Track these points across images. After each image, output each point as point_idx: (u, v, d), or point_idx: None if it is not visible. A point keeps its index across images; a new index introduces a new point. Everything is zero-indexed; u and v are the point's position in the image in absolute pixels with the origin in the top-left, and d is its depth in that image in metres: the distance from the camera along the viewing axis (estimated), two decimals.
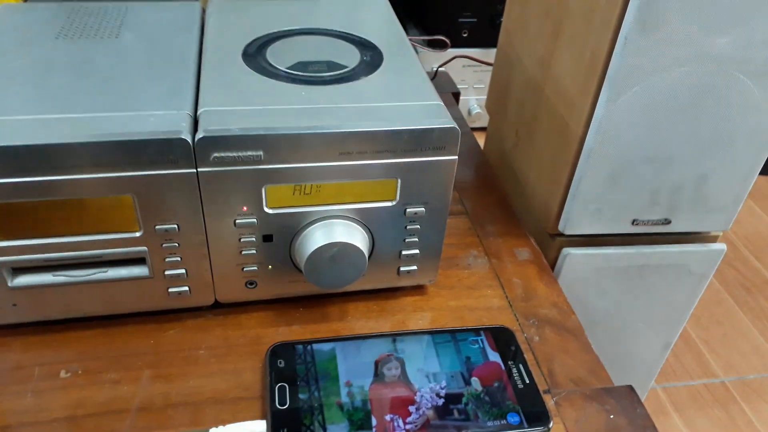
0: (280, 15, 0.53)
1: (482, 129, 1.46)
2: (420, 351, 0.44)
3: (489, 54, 1.36)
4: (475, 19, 1.24)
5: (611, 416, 0.41)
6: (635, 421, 0.41)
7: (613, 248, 0.57)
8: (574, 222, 0.54)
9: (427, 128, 0.40)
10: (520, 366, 0.43)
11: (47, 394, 0.40)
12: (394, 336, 0.45)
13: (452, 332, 0.45)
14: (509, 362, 0.43)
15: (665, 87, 0.47)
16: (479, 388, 0.41)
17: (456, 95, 0.79)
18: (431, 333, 0.45)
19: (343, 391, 0.41)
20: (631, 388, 0.43)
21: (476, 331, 0.45)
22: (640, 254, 0.58)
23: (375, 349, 0.44)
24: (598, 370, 0.45)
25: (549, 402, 0.42)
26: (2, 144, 0.35)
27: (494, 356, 0.44)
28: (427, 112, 0.41)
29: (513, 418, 0.40)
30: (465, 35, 1.26)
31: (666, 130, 0.49)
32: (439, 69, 0.81)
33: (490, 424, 0.39)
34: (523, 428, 0.39)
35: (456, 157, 0.41)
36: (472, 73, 1.32)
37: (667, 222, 0.56)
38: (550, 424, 0.40)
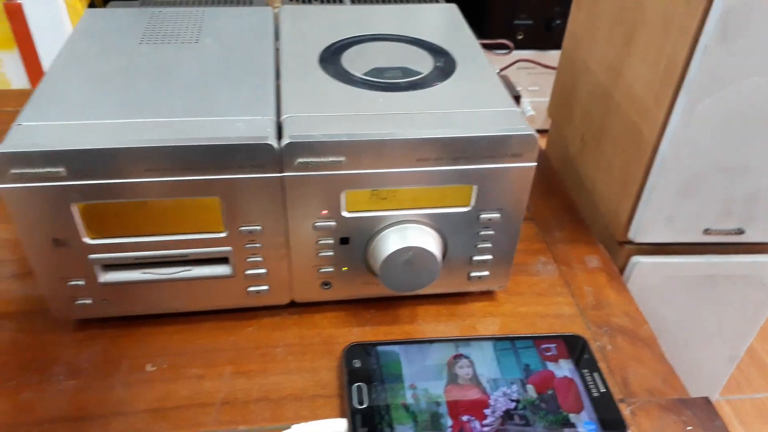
0: (351, 21, 0.54)
1: (538, 132, 1.44)
2: (487, 356, 0.44)
3: (544, 56, 1.35)
4: (530, 22, 1.24)
5: (688, 428, 0.41)
6: None
7: (683, 257, 0.56)
8: (644, 230, 0.54)
9: (506, 135, 0.40)
10: (595, 374, 0.43)
11: (135, 387, 0.42)
12: (468, 340, 0.45)
13: (526, 339, 0.45)
14: (583, 370, 0.43)
15: (743, 96, 0.46)
16: (547, 395, 0.41)
17: (517, 98, 0.79)
18: (501, 339, 0.45)
19: (409, 392, 0.41)
20: (707, 400, 0.43)
21: (549, 339, 0.45)
22: (711, 264, 0.57)
23: (447, 352, 0.44)
24: (672, 381, 0.44)
25: (624, 411, 0.42)
26: (97, 146, 0.37)
27: (567, 365, 0.44)
28: (503, 119, 0.42)
29: (589, 427, 0.40)
30: (520, 37, 1.25)
31: (742, 139, 0.49)
32: (501, 72, 0.81)
33: (566, 430, 0.39)
34: None
35: (534, 163, 0.42)
36: (526, 75, 1.31)
37: (741, 232, 0.55)
38: None
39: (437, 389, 0.42)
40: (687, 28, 0.45)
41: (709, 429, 0.41)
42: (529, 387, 0.42)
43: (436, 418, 0.40)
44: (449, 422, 0.40)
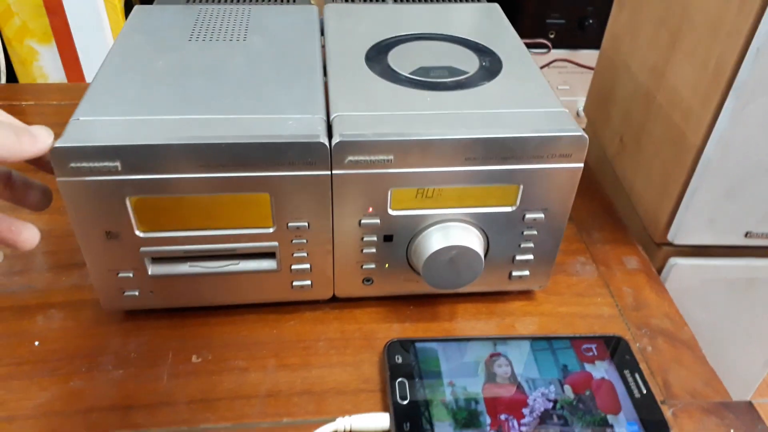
0: (395, 20, 0.54)
1: None
2: (525, 355, 0.44)
3: (576, 55, 1.34)
4: (563, 21, 1.23)
5: (731, 431, 0.41)
6: None
7: (723, 259, 0.56)
8: (684, 232, 0.54)
9: (556, 135, 0.40)
10: (636, 376, 0.43)
11: (181, 378, 0.43)
12: (506, 339, 0.45)
13: (563, 339, 0.45)
14: (624, 371, 0.43)
15: None
16: (584, 396, 0.41)
17: None
18: (539, 339, 0.46)
19: (448, 390, 0.42)
20: (750, 404, 0.43)
21: (590, 339, 0.46)
22: (751, 267, 0.56)
23: (485, 350, 0.44)
24: (714, 383, 0.44)
25: (666, 413, 0.42)
26: (151, 142, 0.38)
27: (605, 366, 0.44)
28: (552, 119, 0.42)
29: (632, 428, 0.40)
30: (552, 36, 1.25)
31: None
32: None
33: (616, 431, 0.39)
34: None
35: (581, 165, 0.42)
36: (557, 74, 1.30)
37: None
38: None
39: (475, 387, 0.42)
40: (739, 31, 0.45)
41: None
42: (567, 387, 0.42)
43: (474, 415, 0.40)
44: (488, 420, 0.40)
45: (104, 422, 0.40)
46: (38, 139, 0.36)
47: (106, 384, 0.42)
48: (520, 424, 0.40)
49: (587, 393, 0.42)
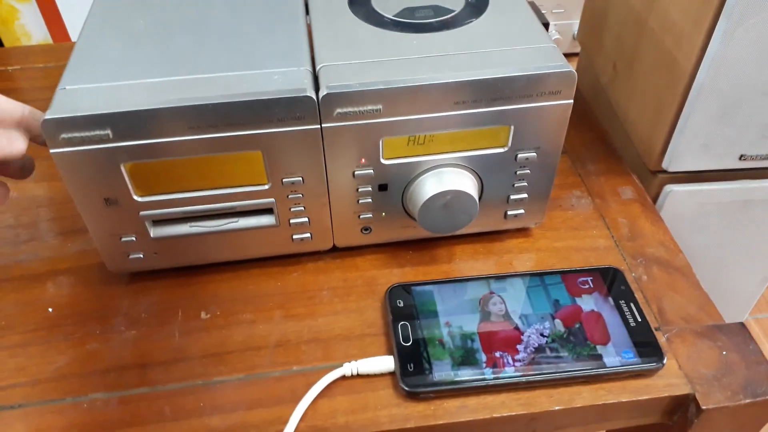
0: None
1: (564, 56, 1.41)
2: (519, 292, 0.45)
3: None
4: None
5: (724, 352, 0.42)
6: (748, 357, 0.42)
7: (717, 184, 0.56)
8: (679, 159, 0.54)
9: (544, 73, 0.40)
10: (631, 305, 0.44)
11: (193, 334, 0.45)
12: (499, 277, 0.46)
13: (554, 274, 0.47)
14: (620, 301, 0.45)
15: None
16: (574, 329, 0.43)
17: (545, 26, 0.77)
18: (531, 275, 0.47)
19: (445, 330, 0.43)
20: (742, 325, 0.44)
21: (585, 272, 0.47)
22: (746, 189, 0.57)
23: (480, 289, 0.46)
24: (707, 307, 0.46)
25: (660, 339, 0.43)
26: (139, 108, 0.38)
27: (596, 298, 0.45)
28: (540, 56, 0.41)
29: (627, 355, 0.41)
30: None
31: None
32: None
33: (606, 360, 0.41)
34: (638, 365, 0.41)
35: (571, 101, 0.42)
36: None
37: None
38: (664, 360, 0.41)
39: (471, 326, 0.43)
40: None
41: (744, 353, 0.42)
42: (557, 322, 0.43)
43: (470, 353, 0.42)
44: (483, 357, 0.41)
45: (122, 381, 0.42)
46: (14, 144, 0.36)
47: (121, 344, 0.44)
48: (514, 360, 0.41)
49: (577, 326, 0.43)
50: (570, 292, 0.45)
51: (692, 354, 0.42)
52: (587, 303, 0.44)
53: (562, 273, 0.47)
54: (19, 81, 0.71)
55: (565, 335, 0.42)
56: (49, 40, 1.18)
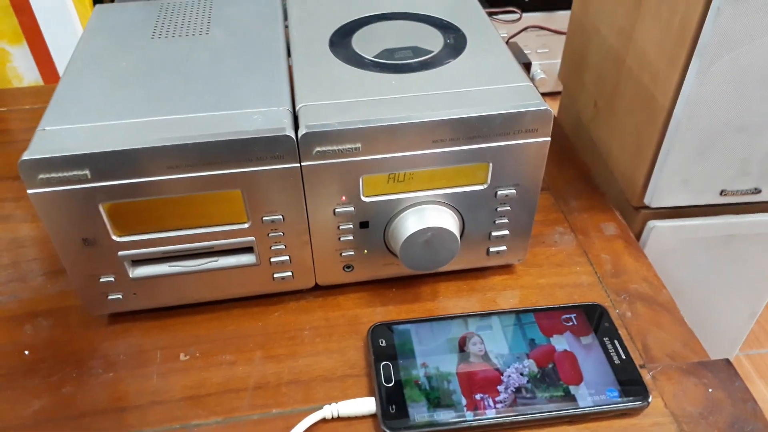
0: (358, 0, 0.54)
1: (548, 94, 1.44)
2: (497, 332, 0.45)
3: (552, 17, 1.33)
4: None
5: (710, 390, 0.42)
6: (734, 395, 0.41)
7: (700, 219, 0.56)
8: (660, 194, 0.54)
9: (520, 111, 0.40)
10: (615, 342, 0.44)
11: (170, 376, 0.44)
12: (477, 316, 0.46)
13: (545, 311, 0.46)
14: (604, 338, 0.44)
15: (758, 55, 0.46)
16: (548, 369, 0.42)
17: (527, 66, 0.78)
18: (516, 313, 0.46)
19: (422, 371, 0.42)
20: (728, 361, 0.44)
21: (569, 309, 0.46)
22: (728, 224, 0.57)
23: (458, 329, 0.45)
24: (692, 344, 0.45)
25: (646, 376, 0.43)
26: (118, 148, 0.38)
27: (566, 338, 0.45)
28: (517, 95, 0.42)
29: (612, 394, 0.41)
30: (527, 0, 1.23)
31: (758, 98, 0.48)
32: (510, 40, 0.80)
33: (589, 399, 0.40)
34: (623, 403, 0.40)
35: (548, 138, 0.42)
36: (535, 38, 1.29)
37: (758, 191, 0.55)
38: (649, 399, 0.40)
39: (449, 367, 0.43)
40: None
41: (731, 390, 0.42)
42: (530, 362, 0.43)
43: (447, 395, 0.41)
44: (463, 400, 0.41)
45: (97, 426, 0.41)
46: None
47: (98, 388, 0.43)
48: (495, 402, 0.40)
49: (550, 366, 0.42)
50: (543, 331, 0.45)
51: (678, 392, 0.42)
52: (560, 342, 0.44)
53: (545, 311, 0.46)
54: (8, 122, 0.71)
55: (538, 375, 0.42)
56: (41, 83, 1.19)
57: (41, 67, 1.15)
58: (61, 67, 1.15)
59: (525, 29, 0.82)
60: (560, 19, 1.25)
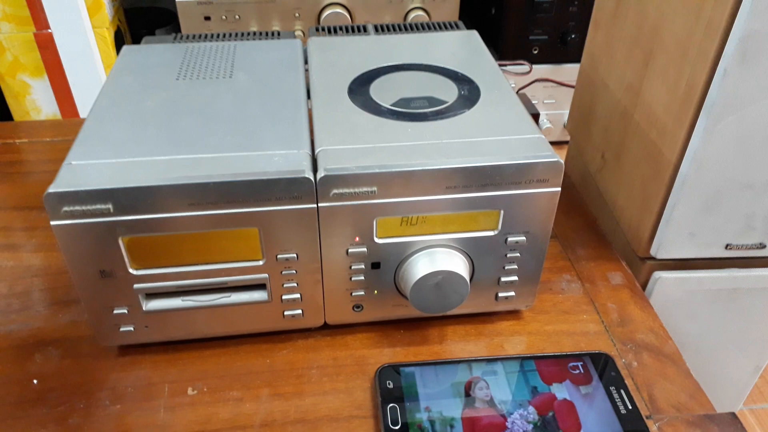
0: (376, 51, 0.56)
1: (554, 143, 1.47)
2: (501, 378, 0.45)
3: (560, 70, 1.37)
4: (545, 37, 1.25)
5: None
6: None
7: (705, 272, 0.57)
8: (666, 246, 0.55)
9: (532, 162, 0.42)
10: (622, 391, 0.44)
11: (178, 410, 0.44)
12: (483, 361, 0.46)
13: (551, 358, 0.47)
14: (610, 387, 0.44)
15: (762, 115, 0.47)
16: (548, 417, 0.42)
17: (536, 116, 0.80)
18: (522, 359, 0.47)
19: (425, 415, 0.43)
20: (734, 415, 0.44)
21: (575, 357, 0.47)
22: (733, 278, 0.58)
23: (464, 373, 0.45)
24: (698, 396, 0.45)
25: (652, 427, 0.43)
26: (141, 184, 0.39)
27: (597, 384, 0.45)
28: (529, 146, 0.43)
29: None
30: (536, 52, 1.27)
31: (763, 157, 0.50)
32: (519, 91, 0.83)
33: None
34: None
35: (559, 189, 0.43)
36: (542, 89, 1.33)
37: (762, 246, 0.55)
38: None
39: (452, 411, 0.43)
40: (706, 52, 0.46)
41: None
42: (531, 409, 0.43)
43: None
44: None
45: None
46: None
47: (104, 419, 0.43)
48: None
49: (550, 414, 0.43)
50: (544, 379, 0.45)
51: None
52: (560, 391, 0.44)
53: (551, 358, 0.47)
54: (26, 154, 0.73)
55: (539, 423, 0.42)
56: (59, 116, 1.22)
57: (60, 101, 1.18)
58: (80, 101, 1.18)
59: (534, 82, 0.85)
60: (567, 71, 1.28)
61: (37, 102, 1.20)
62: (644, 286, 0.58)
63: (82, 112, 1.20)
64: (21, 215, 0.63)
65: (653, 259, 0.57)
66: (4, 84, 1.18)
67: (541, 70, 1.24)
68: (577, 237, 0.60)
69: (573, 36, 1.23)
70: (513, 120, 0.46)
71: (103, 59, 1.15)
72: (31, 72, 1.17)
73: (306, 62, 0.55)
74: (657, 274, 0.57)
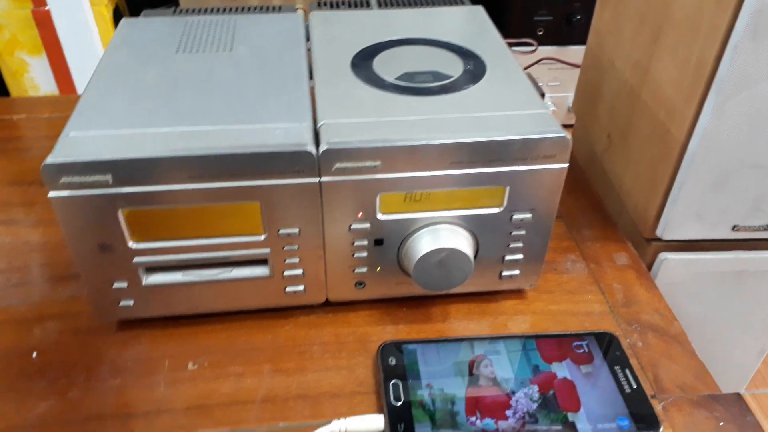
0: (379, 25, 0.55)
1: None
2: (504, 356, 0.45)
3: (565, 51, 1.35)
4: (551, 17, 1.24)
5: (720, 423, 0.42)
6: (745, 429, 0.41)
7: (711, 253, 0.57)
8: (672, 227, 0.54)
9: (539, 137, 0.41)
10: (626, 371, 0.44)
11: (178, 385, 0.44)
12: (487, 339, 0.46)
13: (555, 337, 0.46)
14: (615, 367, 0.44)
15: None
16: (549, 395, 0.42)
17: (541, 96, 0.79)
18: (527, 338, 0.46)
19: (426, 391, 0.42)
20: (739, 395, 0.43)
21: (580, 337, 0.46)
22: (740, 260, 0.57)
23: (467, 351, 0.45)
24: (704, 377, 0.45)
25: (656, 407, 0.42)
26: (141, 156, 0.38)
27: (601, 363, 0.44)
28: (535, 121, 0.42)
29: (623, 422, 0.40)
30: (540, 33, 1.25)
31: None
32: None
33: (600, 426, 0.40)
34: None
35: (566, 165, 0.42)
36: (547, 70, 1.31)
37: None
38: (660, 429, 0.40)
39: (454, 389, 0.42)
40: (717, 27, 0.45)
41: (742, 425, 0.41)
42: (534, 387, 0.43)
43: (452, 417, 0.41)
44: (467, 421, 0.40)
45: (103, 430, 0.40)
46: None
47: (105, 393, 0.43)
48: (503, 427, 0.40)
49: (551, 392, 0.42)
50: (544, 358, 0.45)
51: (689, 423, 0.42)
52: (561, 370, 0.44)
53: (556, 337, 0.46)
54: (23, 130, 0.72)
55: (540, 401, 0.42)
56: (57, 94, 1.21)
57: (59, 78, 1.16)
58: (78, 79, 1.17)
59: (540, 61, 0.83)
60: (572, 53, 1.27)
61: (35, 80, 1.18)
62: (649, 268, 0.58)
63: (81, 91, 1.19)
64: (19, 190, 0.62)
65: (659, 240, 0.56)
66: (2, 62, 1.17)
67: (545, 51, 1.23)
68: (583, 217, 0.59)
69: (578, 17, 1.22)
70: (520, 95, 0.45)
71: (101, 37, 1.14)
72: (29, 50, 1.15)
73: (308, 36, 0.54)
74: (662, 255, 0.57)
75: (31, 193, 0.61)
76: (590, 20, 0.70)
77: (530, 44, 0.81)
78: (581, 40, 1.29)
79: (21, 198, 0.61)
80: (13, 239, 0.56)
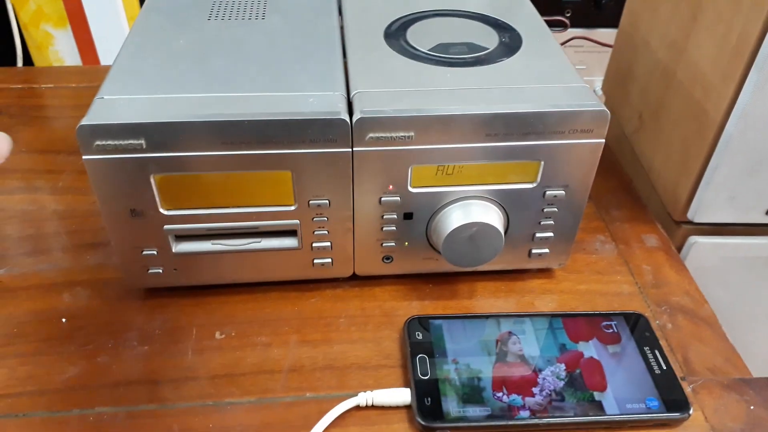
0: None
1: None
2: (532, 334, 0.44)
3: (593, 34, 1.32)
4: None
5: (751, 407, 0.41)
6: None
7: (742, 238, 0.56)
8: (704, 210, 0.53)
9: (577, 110, 0.40)
10: (656, 352, 0.43)
11: (206, 353, 0.44)
12: (514, 316, 0.46)
13: (585, 316, 0.46)
14: (644, 347, 0.43)
15: None
16: (575, 374, 0.42)
17: None
18: (558, 316, 0.46)
19: (452, 367, 0.42)
20: None
21: (609, 316, 0.46)
22: None
23: (495, 328, 0.45)
24: (734, 360, 0.44)
25: (686, 389, 0.42)
26: (175, 120, 0.38)
27: (629, 343, 0.44)
28: (573, 95, 0.42)
29: (652, 403, 0.40)
30: (568, 15, 1.23)
31: None
32: None
33: (629, 406, 0.40)
34: (663, 413, 0.39)
35: (603, 140, 0.42)
36: (573, 53, 1.29)
37: None
38: (690, 411, 0.40)
39: (480, 365, 0.42)
40: (760, 3, 0.44)
41: None
42: (560, 366, 0.42)
43: (479, 392, 0.40)
44: (493, 396, 0.40)
45: (131, 396, 0.41)
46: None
47: (133, 359, 0.43)
48: (530, 403, 0.40)
49: (577, 371, 0.42)
50: (571, 337, 0.44)
51: (719, 406, 0.41)
52: (587, 349, 0.43)
53: (585, 316, 0.46)
54: (49, 99, 0.72)
55: (567, 379, 0.41)
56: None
57: (83, 51, 1.17)
58: (102, 53, 1.17)
59: (571, 39, 0.82)
60: (601, 36, 1.25)
61: (60, 53, 1.19)
62: (679, 251, 0.57)
63: (104, 63, 1.19)
64: (47, 159, 0.62)
65: (690, 223, 0.55)
66: (28, 34, 1.17)
67: (574, 33, 1.21)
68: (612, 198, 0.58)
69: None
70: (556, 69, 0.44)
71: (126, 10, 1.14)
72: (55, 22, 1.15)
73: (340, 6, 0.53)
74: (693, 238, 0.56)
75: (60, 162, 0.62)
76: (619, 3, 0.68)
77: (562, 23, 0.80)
78: (611, 23, 1.26)
79: (49, 166, 0.61)
80: (41, 206, 0.56)
